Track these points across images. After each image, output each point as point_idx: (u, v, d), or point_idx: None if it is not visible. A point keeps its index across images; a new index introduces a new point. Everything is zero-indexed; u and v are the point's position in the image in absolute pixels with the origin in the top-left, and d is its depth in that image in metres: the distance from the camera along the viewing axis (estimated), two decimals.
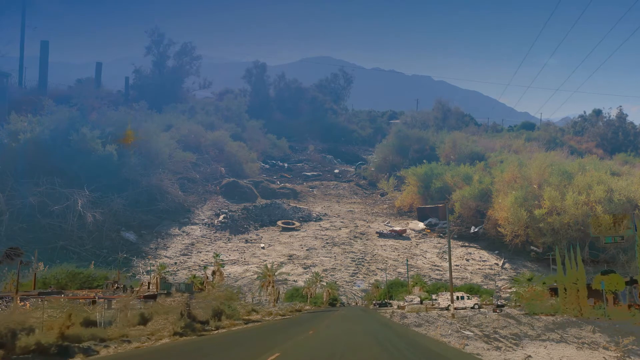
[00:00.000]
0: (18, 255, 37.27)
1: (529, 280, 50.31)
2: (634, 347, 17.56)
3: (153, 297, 32.94)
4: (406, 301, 61.00)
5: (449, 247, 43.94)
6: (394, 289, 71.80)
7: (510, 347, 18.80)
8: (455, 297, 47.64)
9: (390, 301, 66.60)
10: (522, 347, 18.75)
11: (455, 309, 44.45)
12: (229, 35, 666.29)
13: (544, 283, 47.38)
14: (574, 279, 37.62)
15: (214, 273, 54.88)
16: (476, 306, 52.38)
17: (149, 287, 38.73)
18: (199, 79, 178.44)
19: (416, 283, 68.50)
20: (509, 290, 60.66)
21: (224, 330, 29.11)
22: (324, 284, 73.42)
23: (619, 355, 16.18)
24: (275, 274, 62.91)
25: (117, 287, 34.91)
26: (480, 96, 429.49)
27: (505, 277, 76.88)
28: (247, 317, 39.71)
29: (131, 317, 25.34)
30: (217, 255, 58.62)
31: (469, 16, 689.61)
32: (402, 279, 75.74)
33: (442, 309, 52.48)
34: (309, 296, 70.05)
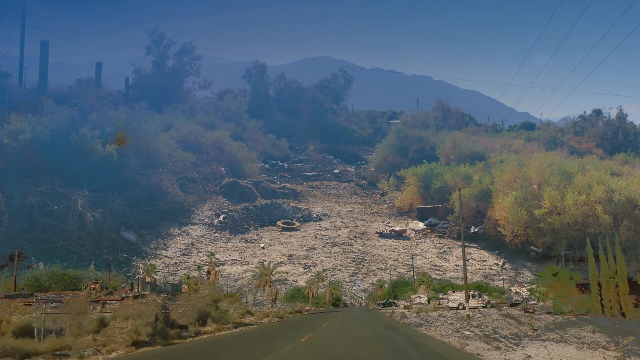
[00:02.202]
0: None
1: (554, 275, 43.69)
2: (633, 347, 17.54)
3: (123, 300, 29.81)
4: (412, 301, 58.61)
5: (463, 242, 42.98)
6: (398, 288, 71.09)
7: (510, 347, 18.78)
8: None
9: (395, 301, 65.15)
10: (522, 347, 18.74)
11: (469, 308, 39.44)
12: (229, 35, 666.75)
13: (571, 278, 41.53)
14: (611, 272, 32.35)
15: (208, 273, 53.81)
16: (489, 305, 49.30)
17: (132, 289, 37.01)
18: (199, 79, 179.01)
19: (422, 282, 66.87)
20: (529, 287, 57.02)
21: (204, 336, 25.67)
22: (326, 284, 72.80)
23: (618, 355, 16.16)
24: (273, 273, 59.97)
25: (95, 289, 32.73)
26: (480, 96, 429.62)
27: (506, 277, 76.85)
28: (239, 320, 36.66)
29: (87, 324, 21.78)
30: (212, 254, 56.21)
31: (469, 16, 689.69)
32: (404, 278, 75.54)
33: (451, 308, 48.67)
34: (310, 296, 69.10)
